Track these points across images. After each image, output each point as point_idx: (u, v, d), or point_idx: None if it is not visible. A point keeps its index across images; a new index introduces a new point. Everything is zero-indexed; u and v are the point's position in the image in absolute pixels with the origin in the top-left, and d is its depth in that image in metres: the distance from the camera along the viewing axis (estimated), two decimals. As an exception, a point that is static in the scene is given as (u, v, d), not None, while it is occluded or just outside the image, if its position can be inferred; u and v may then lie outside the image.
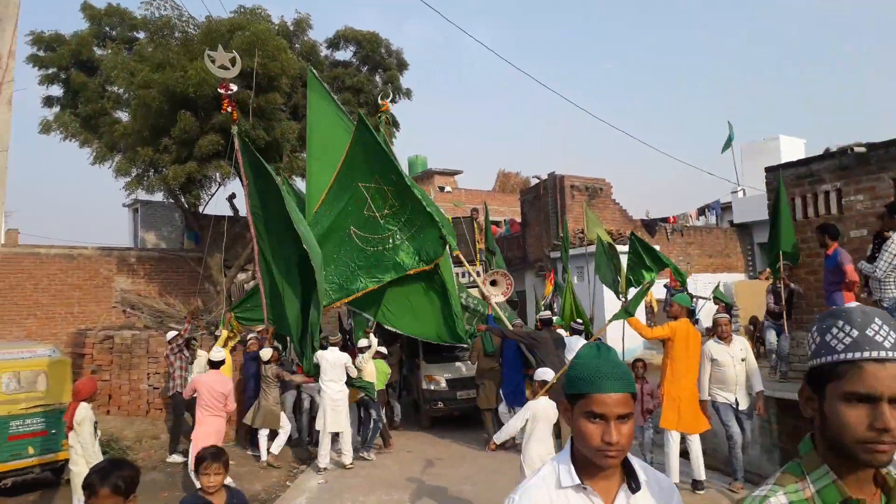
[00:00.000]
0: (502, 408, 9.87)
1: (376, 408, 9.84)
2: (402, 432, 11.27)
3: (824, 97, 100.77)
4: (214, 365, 8.44)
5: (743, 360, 6.97)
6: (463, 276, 12.27)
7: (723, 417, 6.96)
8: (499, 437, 6.42)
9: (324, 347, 9.49)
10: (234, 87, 9.01)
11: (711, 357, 7.01)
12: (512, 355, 9.94)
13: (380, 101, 13.33)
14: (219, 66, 8.87)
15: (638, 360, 8.29)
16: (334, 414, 8.91)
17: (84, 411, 6.82)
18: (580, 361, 1.72)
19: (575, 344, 9.89)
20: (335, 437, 9.21)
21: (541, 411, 6.31)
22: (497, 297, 12.03)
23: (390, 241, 10.16)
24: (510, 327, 10.32)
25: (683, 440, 7.10)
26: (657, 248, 11.85)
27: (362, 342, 10.11)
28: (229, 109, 9.22)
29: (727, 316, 7.25)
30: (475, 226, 13.05)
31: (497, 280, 12.15)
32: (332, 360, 9.08)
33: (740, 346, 7.04)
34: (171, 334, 10.58)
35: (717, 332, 7.16)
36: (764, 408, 7.00)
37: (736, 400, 6.98)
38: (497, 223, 23.39)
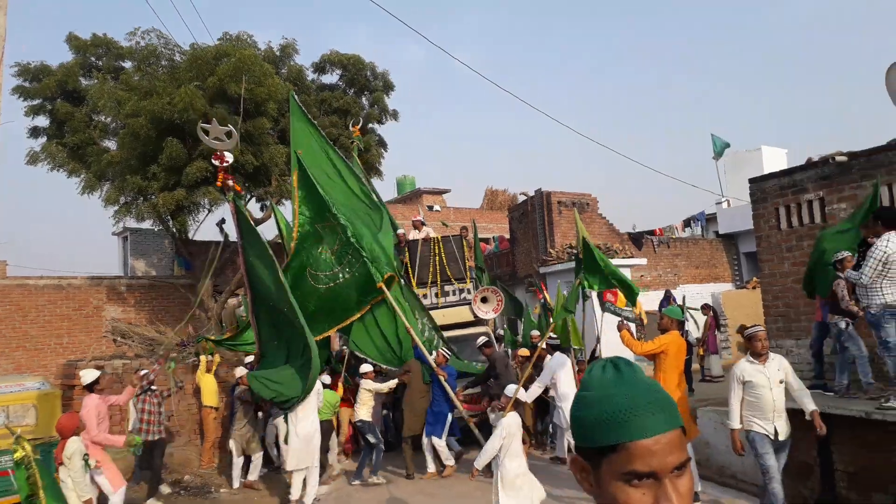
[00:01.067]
0: (437, 441, 9.57)
1: (373, 432, 9.63)
2: (394, 454, 10.88)
3: (805, 107, 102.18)
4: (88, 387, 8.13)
5: (781, 381, 6.04)
6: (425, 297, 12.21)
7: (759, 449, 6.02)
8: (480, 462, 6.39)
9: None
10: (230, 159, 8.43)
11: (744, 379, 6.05)
12: (441, 388, 9.76)
13: (350, 128, 13.40)
14: (213, 138, 8.46)
15: None
16: (304, 447, 8.14)
17: (73, 445, 6.85)
18: (595, 395, 1.16)
19: (557, 365, 9.64)
20: None
21: (514, 427, 6.38)
22: (488, 313, 12.06)
23: (340, 276, 9.79)
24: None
25: None
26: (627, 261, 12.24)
27: (364, 367, 9.90)
28: (229, 183, 8.45)
29: (763, 329, 6.19)
30: (464, 243, 13.05)
31: (487, 297, 12.23)
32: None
33: (777, 365, 6.10)
34: (142, 371, 10.21)
35: (752, 349, 6.11)
36: (822, 426, 6.06)
37: (775, 429, 6.01)
38: (486, 240, 23.50)
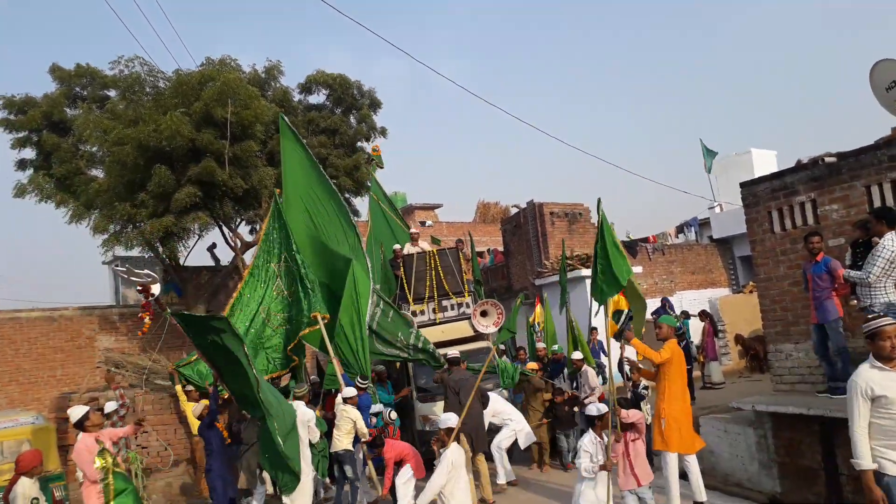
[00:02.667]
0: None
1: (353, 465, 8.64)
2: None
3: (792, 109, 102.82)
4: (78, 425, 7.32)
5: None
6: (423, 313, 12.06)
7: None
8: (424, 499, 6.11)
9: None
10: (157, 291, 8.17)
11: (873, 394, 4.21)
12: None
13: (370, 147, 13.35)
14: (134, 277, 8.31)
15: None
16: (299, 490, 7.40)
17: (21, 487, 6.37)
18: None
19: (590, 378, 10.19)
20: None
21: (458, 459, 6.20)
22: (488, 327, 11.83)
23: (291, 321, 9.58)
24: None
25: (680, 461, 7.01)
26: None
27: (348, 391, 8.94)
28: (146, 319, 8.13)
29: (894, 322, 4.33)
30: (461, 256, 12.78)
31: (487, 310, 11.99)
32: (299, 418, 7.76)
33: None
34: (110, 405, 9.52)
35: (877, 350, 4.33)
36: None
37: None
38: (481, 254, 23.42)
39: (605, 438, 6.12)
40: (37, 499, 6.51)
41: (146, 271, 8.35)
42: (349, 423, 8.58)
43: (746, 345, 14.11)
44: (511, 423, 9.75)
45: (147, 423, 11.77)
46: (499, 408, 9.84)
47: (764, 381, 9.45)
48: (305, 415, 8.07)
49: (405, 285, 12.28)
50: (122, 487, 6.85)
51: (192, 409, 9.28)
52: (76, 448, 7.12)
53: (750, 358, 14.07)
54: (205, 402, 9.00)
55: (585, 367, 10.57)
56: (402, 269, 12.40)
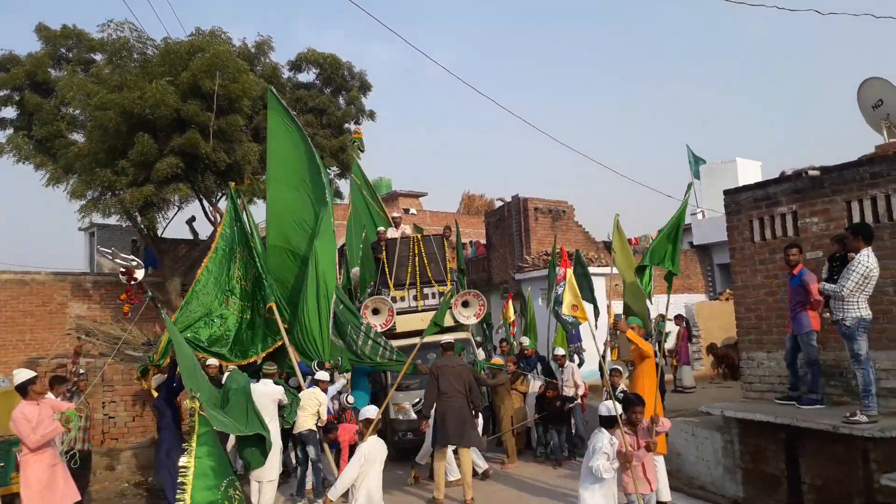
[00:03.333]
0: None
1: (316, 446, 8.46)
2: None
3: (780, 119, 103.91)
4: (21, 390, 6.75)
5: None
6: (402, 300, 11.63)
7: None
8: (335, 492, 6.00)
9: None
10: (140, 276, 8.04)
11: None
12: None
13: (352, 128, 13.11)
14: (118, 259, 8.23)
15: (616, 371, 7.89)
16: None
17: None
18: None
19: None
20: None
21: (374, 453, 6.18)
22: (469, 318, 11.42)
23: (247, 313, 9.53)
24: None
25: None
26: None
27: (322, 375, 8.84)
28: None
29: None
30: (445, 244, 12.36)
31: (469, 301, 11.53)
32: (266, 394, 8.03)
33: None
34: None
35: None
36: None
37: None
38: (463, 245, 23.42)
39: (618, 439, 6.00)
40: None
41: (132, 256, 8.20)
42: (315, 406, 8.45)
43: (719, 354, 14.22)
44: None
45: (115, 392, 11.69)
46: None
47: (734, 388, 9.54)
48: (275, 391, 8.22)
49: (386, 269, 11.85)
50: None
51: (153, 381, 9.11)
52: (14, 416, 6.46)
53: (722, 367, 14.17)
54: (162, 375, 8.89)
55: (568, 363, 10.56)
56: (384, 252, 11.94)
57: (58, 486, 6.46)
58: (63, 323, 16.56)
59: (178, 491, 5.34)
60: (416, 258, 11.85)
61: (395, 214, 14.00)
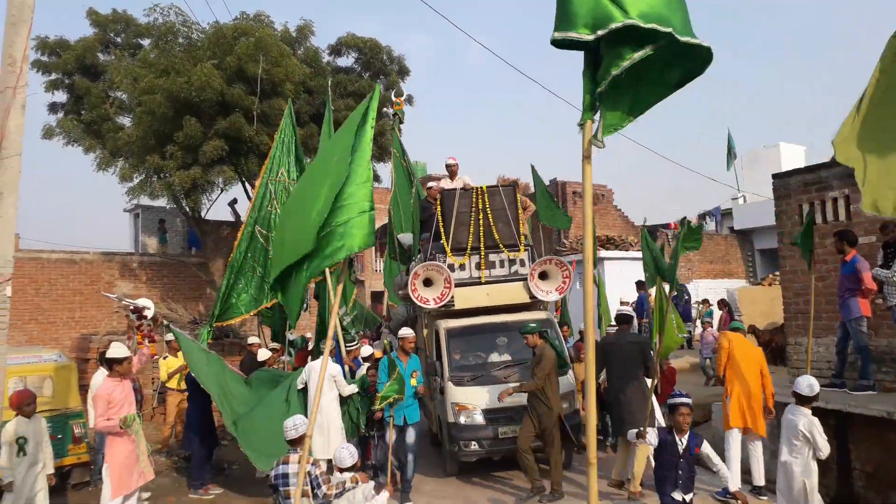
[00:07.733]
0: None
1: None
2: (422, 478, 8.56)
3: (826, 103, 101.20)
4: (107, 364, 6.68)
5: None
6: (462, 268, 9.39)
7: None
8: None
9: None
10: (150, 314, 7.61)
11: None
12: None
13: (393, 98, 12.98)
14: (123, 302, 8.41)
15: None
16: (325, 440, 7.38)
17: (12, 425, 6.35)
18: None
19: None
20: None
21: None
22: (550, 293, 9.33)
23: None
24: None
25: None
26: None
27: (366, 350, 8.39)
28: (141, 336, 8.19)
29: None
30: (518, 199, 9.71)
31: (549, 271, 9.29)
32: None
33: None
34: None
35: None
36: None
37: None
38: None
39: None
40: (24, 437, 6.44)
41: (142, 299, 7.89)
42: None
43: (761, 336, 14.10)
44: None
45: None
46: None
47: (778, 373, 9.40)
48: (334, 368, 7.60)
49: (441, 230, 9.45)
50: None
51: (167, 364, 9.41)
52: (97, 392, 6.51)
53: (767, 351, 14.06)
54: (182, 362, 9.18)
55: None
56: (439, 207, 9.55)
57: (136, 465, 6.55)
58: (110, 302, 16.99)
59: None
60: (480, 215, 9.42)
61: (448, 160, 10.99)
